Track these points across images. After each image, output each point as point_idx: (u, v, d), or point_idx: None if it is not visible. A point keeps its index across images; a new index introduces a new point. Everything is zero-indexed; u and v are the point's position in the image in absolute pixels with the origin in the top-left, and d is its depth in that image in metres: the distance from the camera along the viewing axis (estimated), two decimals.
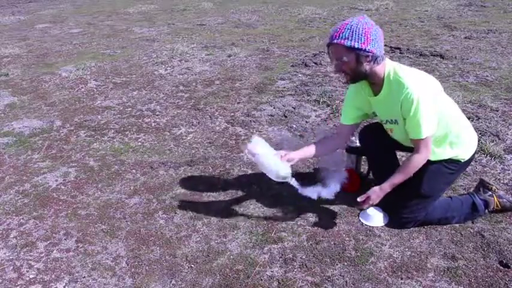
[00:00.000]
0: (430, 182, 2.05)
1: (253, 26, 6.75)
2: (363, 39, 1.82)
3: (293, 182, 2.14)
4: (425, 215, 2.12)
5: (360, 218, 2.25)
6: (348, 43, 1.82)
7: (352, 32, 1.82)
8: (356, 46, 1.82)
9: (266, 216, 2.32)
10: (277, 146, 3.03)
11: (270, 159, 2.09)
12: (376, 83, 1.98)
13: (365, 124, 2.35)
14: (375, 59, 1.87)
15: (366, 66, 1.88)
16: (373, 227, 2.19)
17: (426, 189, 2.07)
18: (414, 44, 5.22)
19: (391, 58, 4.75)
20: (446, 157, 2.04)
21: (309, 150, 2.21)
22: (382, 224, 2.19)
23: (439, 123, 1.94)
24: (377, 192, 2.04)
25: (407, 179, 2.05)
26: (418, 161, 1.97)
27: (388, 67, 1.93)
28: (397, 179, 2.01)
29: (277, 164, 2.09)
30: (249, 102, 3.82)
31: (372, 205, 2.09)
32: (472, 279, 1.86)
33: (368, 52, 1.83)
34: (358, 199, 2.07)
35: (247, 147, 2.09)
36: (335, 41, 1.85)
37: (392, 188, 2.03)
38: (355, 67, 1.89)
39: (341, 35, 1.83)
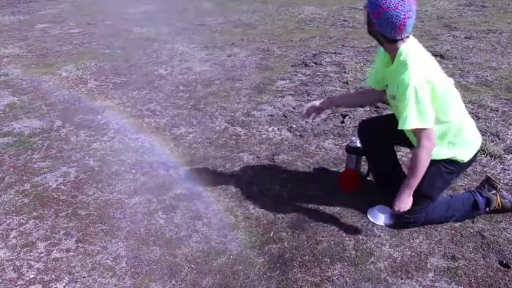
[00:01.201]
0: (429, 182, 2.04)
1: (253, 26, 6.75)
2: (376, 9, 1.84)
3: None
4: (426, 216, 2.12)
5: (368, 215, 2.26)
6: (368, 1, 1.88)
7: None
8: (368, 10, 1.88)
9: (266, 216, 2.32)
10: (277, 146, 3.04)
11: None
12: (391, 57, 2.00)
13: (363, 118, 2.36)
14: (381, 35, 1.90)
15: (376, 33, 1.92)
16: (373, 226, 2.19)
17: (425, 189, 2.06)
18: None
19: None
20: (443, 157, 2.03)
21: (345, 99, 2.55)
22: (382, 223, 2.20)
23: (438, 120, 1.92)
24: (403, 200, 1.98)
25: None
26: (420, 155, 1.89)
27: (404, 46, 1.91)
28: (409, 180, 1.95)
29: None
30: (249, 102, 3.82)
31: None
32: (472, 279, 1.86)
33: (373, 23, 1.88)
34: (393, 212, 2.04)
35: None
36: None
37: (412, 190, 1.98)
38: (367, 22, 1.94)
39: None
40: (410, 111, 1.82)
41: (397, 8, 1.81)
